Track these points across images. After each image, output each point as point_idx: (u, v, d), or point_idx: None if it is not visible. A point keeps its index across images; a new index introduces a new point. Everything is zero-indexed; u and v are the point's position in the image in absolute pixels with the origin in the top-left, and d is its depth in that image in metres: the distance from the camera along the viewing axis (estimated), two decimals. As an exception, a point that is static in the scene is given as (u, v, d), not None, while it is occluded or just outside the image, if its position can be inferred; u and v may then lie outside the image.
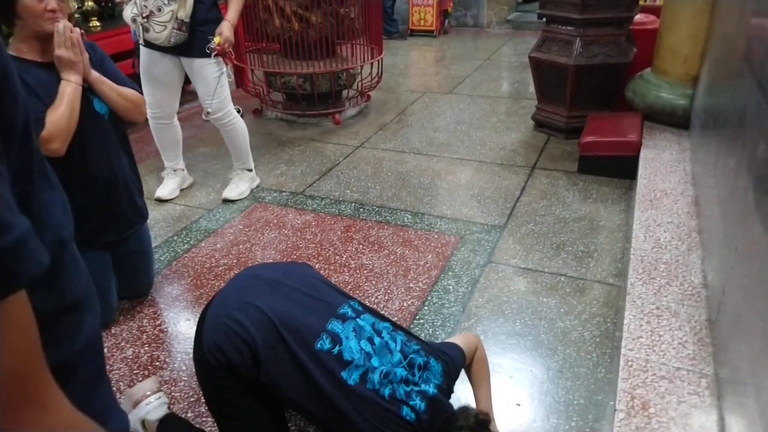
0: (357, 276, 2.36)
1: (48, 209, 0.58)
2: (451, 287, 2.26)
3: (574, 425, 1.64)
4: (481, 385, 1.58)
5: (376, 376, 1.29)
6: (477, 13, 7.62)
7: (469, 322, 2.06)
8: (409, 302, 2.18)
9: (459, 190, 3.10)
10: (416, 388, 1.31)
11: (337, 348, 1.30)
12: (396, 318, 2.08)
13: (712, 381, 1.55)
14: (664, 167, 2.85)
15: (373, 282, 2.31)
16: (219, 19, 2.70)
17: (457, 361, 1.46)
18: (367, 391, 1.27)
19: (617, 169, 3.11)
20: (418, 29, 7.17)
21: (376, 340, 1.36)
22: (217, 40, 2.63)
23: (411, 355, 1.36)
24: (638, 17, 3.68)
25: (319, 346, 1.30)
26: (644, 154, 3.01)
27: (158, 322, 2.13)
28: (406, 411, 1.26)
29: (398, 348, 1.37)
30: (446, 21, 7.40)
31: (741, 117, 1.75)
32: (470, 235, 2.63)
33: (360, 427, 1.25)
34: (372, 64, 4.37)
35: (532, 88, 4.16)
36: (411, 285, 2.28)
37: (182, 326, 2.11)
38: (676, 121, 3.23)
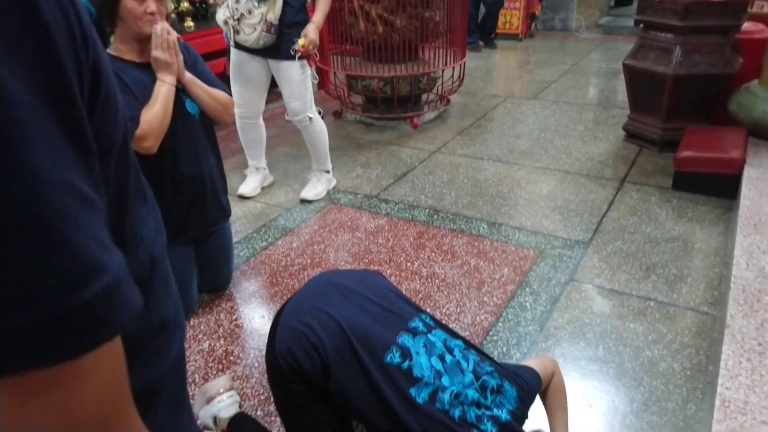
0: (428, 285, 2.31)
1: (142, 225, 0.57)
2: (528, 304, 2.16)
3: (659, 465, 1.52)
4: (557, 413, 1.50)
5: (446, 396, 1.24)
6: (566, 17, 7.36)
7: (547, 343, 1.96)
8: (482, 317, 2.11)
9: (540, 201, 2.98)
10: (488, 413, 1.24)
11: (407, 363, 1.27)
12: (468, 333, 2.02)
13: (825, 434, 1.38)
14: (771, 188, 2.61)
15: (445, 293, 2.26)
16: (306, 22, 2.73)
17: (532, 385, 1.38)
18: (435, 411, 1.23)
19: (716, 187, 2.88)
20: (502, 32, 7.01)
21: (448, 358, 1.31)
22: (301, 42, 2.66)
23: (484, 377, 1.30)
24: (745, 25, 3.40)
25: (388, 359, 1.27)
26: (748, 173, 2.76)
27: (234, 317, 2.18)
28: None
29: (470, 368, 1.31)
30: (533, 24, 7.20)
31: None
32: (551, 250, 2.51)
33: None
34: (454, 67, 4.31)
35: (622, 96, 3.95)
36: (485, 299, 2.21)
37: (257, 323, 2.14)
38: (786, 138, 2.96)
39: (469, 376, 1.29)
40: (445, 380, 1.26)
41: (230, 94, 2.15)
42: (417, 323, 1.37)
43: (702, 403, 1.70)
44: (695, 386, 1.76)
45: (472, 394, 1.26)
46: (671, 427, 1.63)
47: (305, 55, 2.72)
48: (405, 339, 1.31)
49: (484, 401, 1.26)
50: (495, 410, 1.25)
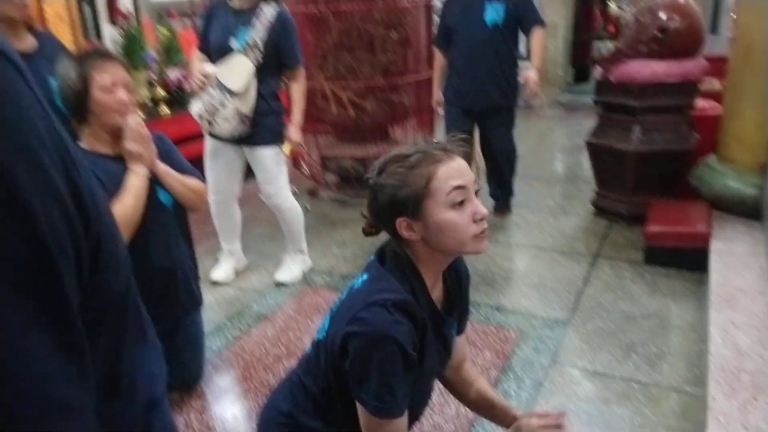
0: (410, 371, 2.24)
1: (139, 370, 0.55)
2: (512, 391, 2.11)
3: None
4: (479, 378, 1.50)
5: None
6: (528, 95, 7.69)
7: (533, 432, 1.90)
8: (466, 407, 2.04)
9: (517, 279, 2.99)
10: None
11: None
12: (452, 426, 1.94)
13: None
14: (737, 261, 2.67)
15: (427, 379, 2.19)
16: (280, 110, 2.80)
17: None
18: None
19: (686, 260, 2.94)
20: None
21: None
22: (286, 149, 2.75)
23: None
24: (699, 103, 3.61)
25: None
26: (715, 247, 2.84)
27: (205, 417, 2.06)
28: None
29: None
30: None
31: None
32: (532, 331, 2.49)
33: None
34: (424, 146, 4.41)
35: (588, 171, 4.08)
36: (468, 384, 2.15)
37: (229, 424, 2.03)
38: (747, 211, 3.06)
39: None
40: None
41: (204, 181, 2.14)
42: None
43: (695, 492, 1.65)
44: (686, 474, 1.71)
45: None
46: None
47: (293, 158, 2.80)
48: None
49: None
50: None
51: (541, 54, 3.39)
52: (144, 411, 0.54)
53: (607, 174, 3.64)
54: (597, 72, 3.71)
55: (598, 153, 3.64)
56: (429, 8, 4.34)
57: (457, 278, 1.32)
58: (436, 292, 1.24)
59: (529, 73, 3.36)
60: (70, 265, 0.41)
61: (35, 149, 0.38)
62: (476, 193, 1.15)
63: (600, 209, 3.74)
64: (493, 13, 3.29)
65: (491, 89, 3.42)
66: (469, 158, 1.16)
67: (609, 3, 9.98)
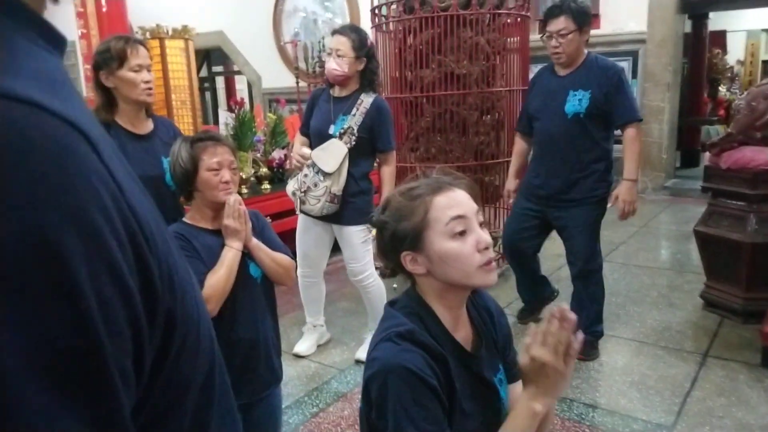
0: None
1: None
2: (604, 503, 1.90)
3: None
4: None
5: None
6: (630, 179, 7.40)
7: None
8: None
9: (615, 375, 2.75)
10: None
11: None
12: None
13: None
14: None
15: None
16: (369, 190, 2.89)
17: None
18: None
19: (816, 368, 2.58)
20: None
21: None
22: (374, 232, 2.82)
23: None
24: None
25: None
26: None
27: (276, 496, 2.02)
28: None
29: None
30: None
31: None
32: (628, 435, 2.26)
33: None
34: (516, 228, 4.33)
35: (697, 261, 3.78)
36: (554, 490, 1.96)
37: (299, 504, 1.98)
38: None
39: None
40: None
41: (293, 257, 2.22)
42: None
43: None
44: None
45: None
46: None
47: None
48: None
49: None
50: None
51: (634, 162, 2.81)
52: None
53: (718, 265, 3.35)
54: (707, 157, 3.52)
55: (708, 242, 3.38)
56: (525, 92, 4.39)
57: (488, 315, 1.26)
58: (462, 332, 1.17)
59: (618, 191, 2.86)
60: (123, 346, 0.38)
61: (93, 220, 0.36)
62: (480, 225, 1.13)
63: (710, 303, 3.42)
64: (574, 103, 2.75)
65: (565, 187, 2.86)
66: (473, 191, 1.15)
67: (719, 87, 9.60)
